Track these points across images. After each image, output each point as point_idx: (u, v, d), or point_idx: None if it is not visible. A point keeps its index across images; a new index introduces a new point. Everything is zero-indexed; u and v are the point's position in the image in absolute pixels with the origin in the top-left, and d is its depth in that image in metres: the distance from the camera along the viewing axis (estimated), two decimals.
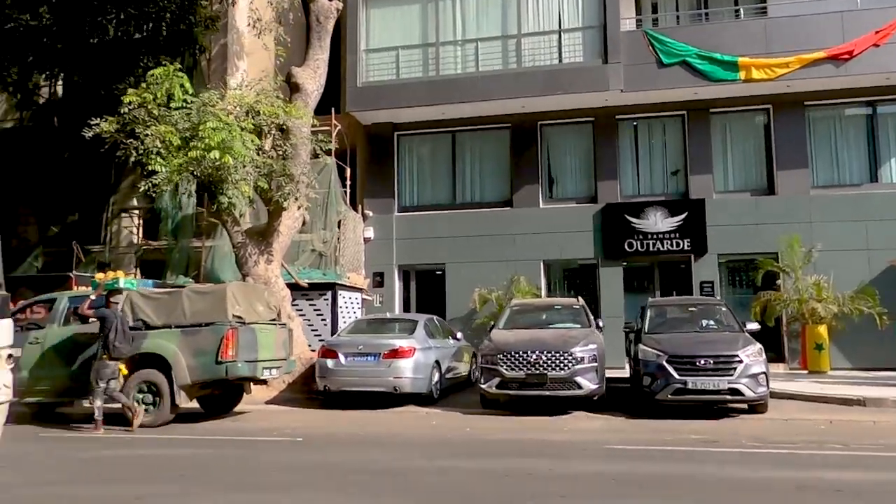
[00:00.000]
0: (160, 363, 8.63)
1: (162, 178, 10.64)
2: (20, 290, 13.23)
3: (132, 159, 11.21)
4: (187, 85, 11.35)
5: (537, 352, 9.31)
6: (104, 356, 8.33)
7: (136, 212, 17.76)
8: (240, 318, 8.87)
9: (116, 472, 6.27)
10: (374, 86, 16.23)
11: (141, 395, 8.57)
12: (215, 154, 10.18)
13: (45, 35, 14.88)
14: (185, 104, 10.95)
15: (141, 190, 11.48)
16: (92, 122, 11.21)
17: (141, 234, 17.72)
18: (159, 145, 10.62)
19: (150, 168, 10.57)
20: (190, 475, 6.06)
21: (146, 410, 8.50)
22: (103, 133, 11.18)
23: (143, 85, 11.12)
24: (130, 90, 11.12)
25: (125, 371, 8.68)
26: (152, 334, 8.78)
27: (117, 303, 8.82)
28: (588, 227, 15.88)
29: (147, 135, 10.64)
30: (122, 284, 9.63)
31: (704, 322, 10.60)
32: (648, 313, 10.62)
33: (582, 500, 5.12)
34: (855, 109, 15.54)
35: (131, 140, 10.97)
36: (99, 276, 10.90)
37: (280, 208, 12.13)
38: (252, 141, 11.13)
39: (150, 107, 10.93)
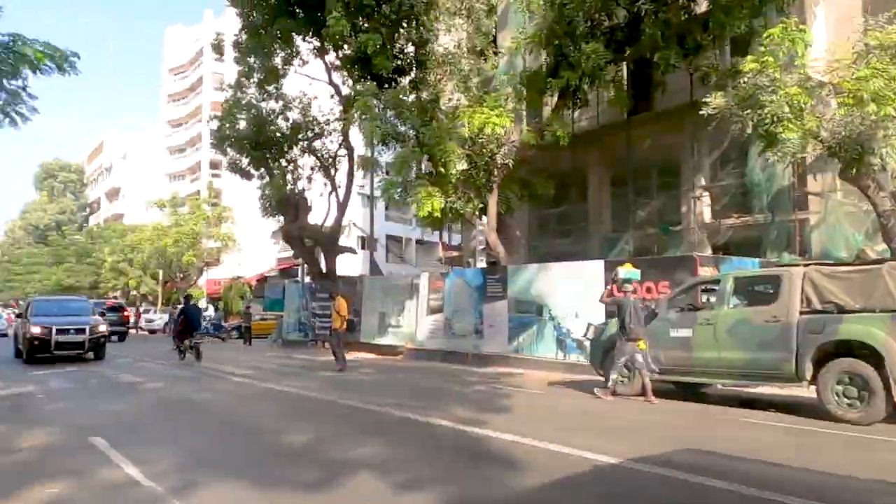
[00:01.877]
0: (866, 352, 7.35)
1: (792, 145, 9.48)
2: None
3: (748, 131, 10.45)
4: (809, 39, 9.91)
5: None
6: (623, 338, 9.39)
7: (706, 192, 17.30)
8: None
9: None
10: None
11: (841, 388, 7.45)
12: (872, 107, 8.43)
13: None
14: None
15: (774, 159, 10.57)
16: (704, 100, 10.90)
17: (709, 214, 17.17)
18: (787, 110, 9.49)
19: (781, 135, 9.53)
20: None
21: (850, 406, 7.37)
22: (716, 109, 10.74)
23: (762, 48, 10.17)
24: (748, 57, 10.32)
25: (643, 346, 9.27)
26: (848, 319, 7.58)
27: (628, 291, 9.80)
28: None
29: (771, 101, 9.65)
30: (621, 276, 10.29)
31: None
32: None
33: None
34: None
35: (747, 111, 10.19)
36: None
37: None
38: None
39: (770, 70, 9.91)
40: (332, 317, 15.55)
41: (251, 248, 48.07)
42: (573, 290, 13.73)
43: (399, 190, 16.84)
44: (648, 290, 13.05)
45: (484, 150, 16.22)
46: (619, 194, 19.96)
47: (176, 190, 50.73)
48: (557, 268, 14.56)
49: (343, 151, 26.30)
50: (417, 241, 55.97)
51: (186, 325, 17.05)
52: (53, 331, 15.73)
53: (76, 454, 6.01)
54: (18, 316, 18.48)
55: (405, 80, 19.97)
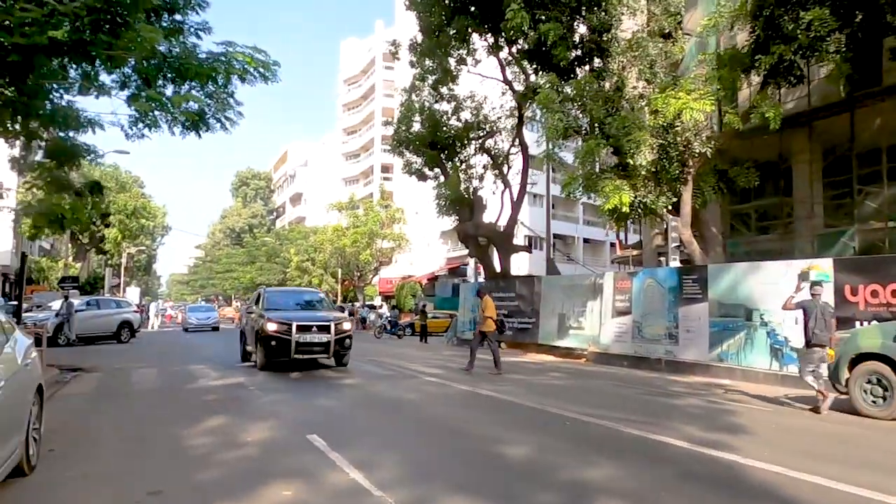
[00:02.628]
0: None
1: None
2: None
3: None
4: None
5: None
6: (808, 345, 9.07)
7: None
8: None
9: None
10: None
11: None
12: None
13: None
14: None
15: None
16: None
17: None
18: None
19: None
20: None
21: None
22: None
23: None
24: None
25: (832, 354, 8.91)
26: None
27: (817, 294, 9.36)
28: None
29: None
30: (812, 277, 10.38)
31: None
32: None
33: None
34: None
35: None
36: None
37: None
38: None
39: None
40: (478, 315, 14.68)
41: (421, 248, 49.54)
42: (792, 293, 12.03)
43: (581, 184, 16.02)
44: (874, 293, 11.19)
45: (678, 139, 14.90)
46: (835, 185, 17.48)
47: (353, 192, 53.60)
48: (772, 267, 12.88)
49: (515, 149, 25.99)
50: (585, 240, 54.45)
51: None
52: (293, 328, 12.47)
53: (298, 453, 5.99)
54: (249, 313, 15.17)
55: (585, 70, 19.05)
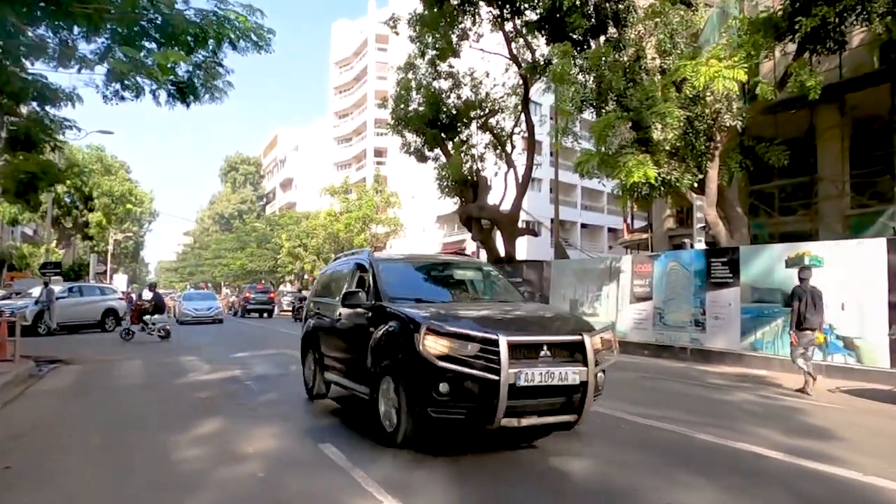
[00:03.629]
0: None
1: None
2: None
3: None
4: None
5: None
6: (797, 328, 9.31)
7: None
8: None
9: None
10: None
11: None
12: None
13: None
14: None
15: None
16: None
17: None
18: None
19: None
20: None
21: None
22: None
23: None
24: None
25: (821, 339, 9.44)
26: None
27: (806, 279, 9.45)
28: None
29: None
30: (806, 262, 10.17)
31: None
32: None
33: None
34: None
35: None
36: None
37: None
38: None
39: None
40: None
41: (416, 233, 48.36)
42: (836, 277, 11.07)
43: (598, 161, 14.91)
44: None
45: (706, 111, 13.82)
46: (864, 162, 16.49)
47: (347, 176, 52.31)
48: (814, 249, 11.87)
49: (518, 128, 24.85)
50: (583, 226, 53.49)
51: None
52: (503, 352, 5.03)
53: (312, 471, 4.89)
54: (320, 303, 8.22)
55: (598, 42, 17.90)
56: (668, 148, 13.97)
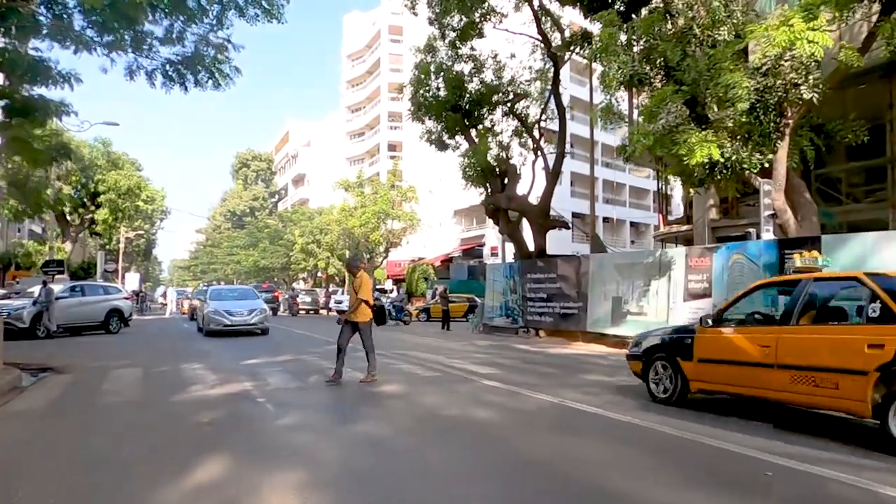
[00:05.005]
0: None
1: None
2: None
3: None
4: None
5: None
6: None
7: None
8: None
9: None
10: None
11: None
12: None
13: None
14: None
15: None
16: None
17: None
18: None
19: None
20: None
21: None
22: None
23: None
24: None
25: None
26: None
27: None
28: None
29: None
30: (798, 263, 8.51)
31: None
32: None
33: None
34: None
35: None
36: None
37: None
38: None
39: None
40: (350, 299, 9.99)
41: (433, 228, 46.75)
42: None
43: (651, 140, 13.22)
44: None
45: (778, 82, 12.12)
46: None
47: (360, 170, 50.82)
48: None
49: (546, 115, 23.20)
50: (604, 219, 51.66)
51: None
52: None
53: None
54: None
55: (642, 14, 16.24)
56: (730, 125, 12.31)
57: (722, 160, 12.04)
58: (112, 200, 35.49)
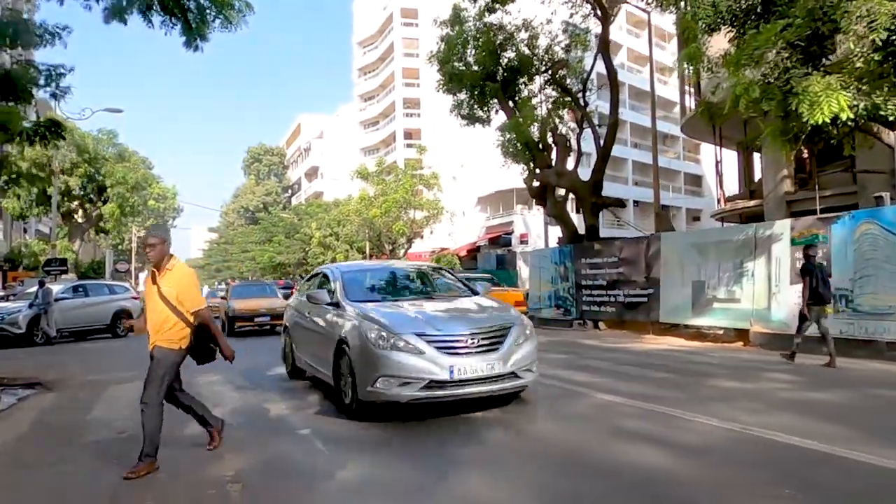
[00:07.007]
0: None
1: None
2: None
3: None
4: None
5: None
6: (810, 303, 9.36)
7: None
8: None
9: None
10: None
11: None
12: None
13: None
14: None
15: None
16: None
17: None
18: None
19: None
20: None
21: None
22: None
23: None
24: None
25: (830, 311, 9.63)
26: None
27: (814, 255, 9.75)
28: None
29: None
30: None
31: None
32: None
33: None
34: None
35: None
36: None
37: None
38: None
39: None
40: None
41: (456, 217, 44.45)
42: None
43: (757, 91, 10.84)
44: None
45: None
46: None
47: (382, 158, 48.58)
48: None
49: (590, 84, 20.83)
50: (635, 203, 49.15)
51: None
52: None
53: None
54: None
55: None
56: (860, 64, 9.91)
57: (849, 112, 9.64)
58: (120, 195, 33.50)
